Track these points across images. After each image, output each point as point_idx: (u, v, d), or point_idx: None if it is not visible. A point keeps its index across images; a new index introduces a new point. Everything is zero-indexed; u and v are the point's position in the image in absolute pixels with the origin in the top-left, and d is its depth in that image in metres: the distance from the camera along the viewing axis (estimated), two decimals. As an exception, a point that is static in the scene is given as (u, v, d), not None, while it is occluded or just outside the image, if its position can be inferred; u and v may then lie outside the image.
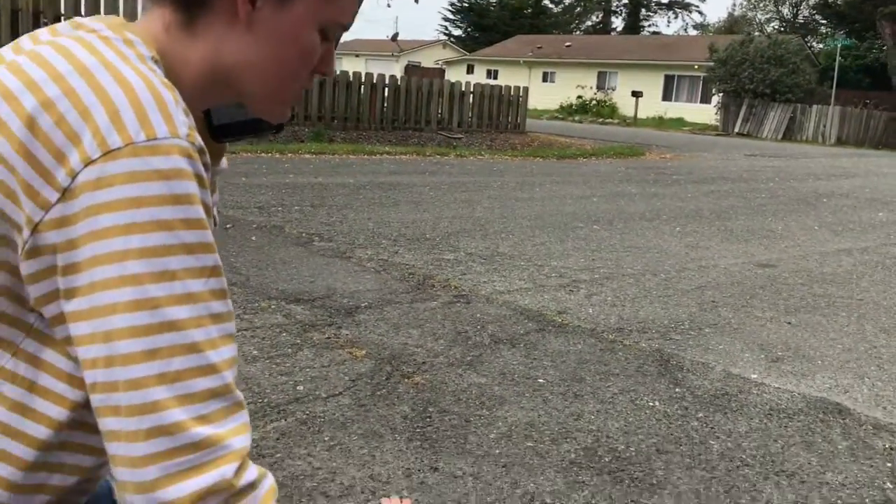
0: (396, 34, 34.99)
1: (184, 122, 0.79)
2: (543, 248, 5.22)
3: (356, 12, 0.98)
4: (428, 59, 47.45)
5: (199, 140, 0.80)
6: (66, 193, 0.73)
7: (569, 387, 2.82)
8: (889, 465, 2.45)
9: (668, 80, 38.27)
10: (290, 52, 0.94)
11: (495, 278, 4.27)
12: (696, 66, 35.39)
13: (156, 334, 0.73)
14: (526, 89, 18.38)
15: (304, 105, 13.64)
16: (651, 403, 2.75)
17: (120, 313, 0.73)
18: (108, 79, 0.77)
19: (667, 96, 38.17)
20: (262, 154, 9.78)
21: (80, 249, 0.73)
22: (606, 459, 2.29)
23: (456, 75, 43.05)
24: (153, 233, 0.74)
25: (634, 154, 15.59)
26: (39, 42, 0.85)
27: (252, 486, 0.78)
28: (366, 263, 4.38)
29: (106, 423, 0.75)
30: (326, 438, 2.28)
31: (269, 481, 0.82)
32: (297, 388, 2.62)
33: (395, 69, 44.23)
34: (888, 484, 2.31)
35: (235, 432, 0.77)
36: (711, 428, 2.59)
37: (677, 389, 2.90)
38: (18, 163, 0.75)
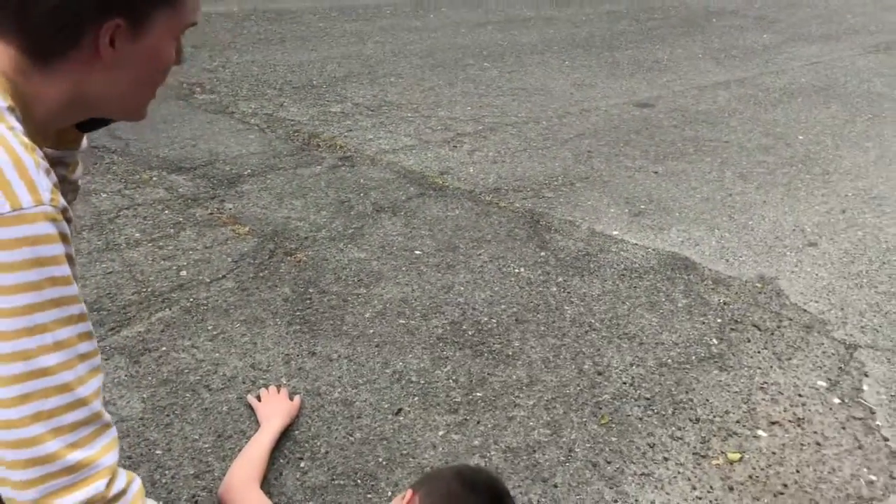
0: None
1: (46, 188, 0.89)
2: (432, 93, 5.25)
3: (197, 8, 1.06)
4: None
5: (61, 201, 0.90)
6: None
7: (443, 257, 3.03)
8: (719, 320, 2.79)
9: None
10: (151, 69, 1.03)
11: (381, 134, 4.34)
12: None
13: (30, 380, 0.88)
14: None
15: None
16: (517, 270, 2.99)
17: None
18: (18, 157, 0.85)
19: None
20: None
21: None
22: (470, 333, 2.54)
23: None
24: (23, 293, 0.86)
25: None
26: None
27: (122, 493, 0.96)
28: (249, 120, 4.36)
29: None
30: (210, 327, 2.44)
31: (136, 485, 0.99)
32: (181, 273, 2.73)
33: None
34: (714, 340, 2.66)
35: (104, 451, 0.95)
36: (568, 293, 2.86)
37: (542, 253, 3.15)
38: None
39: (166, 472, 1.86)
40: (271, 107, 4.62)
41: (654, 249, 3.27)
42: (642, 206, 3.71)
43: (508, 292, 2.82)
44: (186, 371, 2.23)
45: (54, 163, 1.12)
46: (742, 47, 7.91)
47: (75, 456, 0.91)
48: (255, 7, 7.66)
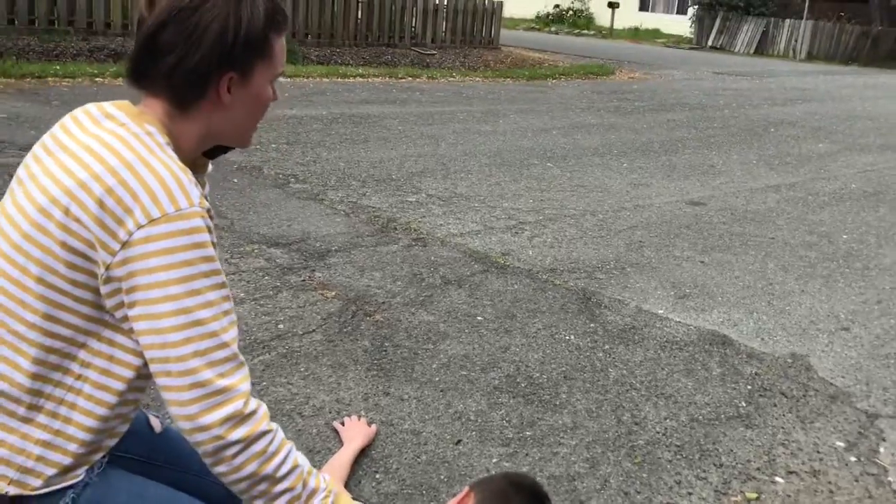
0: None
1: (197, 195, 1.35)
2: (497, 187, 5.77)
3: (283, 58, 1.46)
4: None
5: (207, 204, 1.35)
6: (125, 245, 1.28)
7: (501, 323, 3.44)
8: (749, 387, 3.11)
9: (646, -10, 37.97)
10: (256, 108, 1.49)
11: (451, 221, 4.84)
12: (673, -24, 35.17)
13: (190, 328, 1.31)
14: (501, 4, 18.47)
15: (278, 22, 13.79)
16: (567, 337, 3.38)
17: (166, 318, 1.30)
18: (145, 171, 1.31)
19: (644, 6, 37.93)
20: (238, 79, 10.10)
21: (137, 278, 1.29)
22: (523, 385, 2.93)
23: (432, -19, 42.33)
24: (186, 268, 1.31)
25: (605, 73, 15.92)
26: (88, 133, 1.37)
27: (254, 412, 1.39)
28: (337, 206, 4.93)
29: (161, 381, 1.33)
30: (302, 369, 2.88)
31: (264, 408, 1.42)
32: (278, 326, 3.21)
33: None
34: (743, 403, 2.97)
35: (242, 381, 1.38)
36: (613, 358, 3.22)
37: (592, 325, 3.53)
38: (94, 227, 1.29)
39: (267, 474, 2.27)
40: (355, 196, 5.19)
41: (695, 327, 3.62)
42: (687, 290, 4.07)
43: (559, 355, 3.20)
44: (283, 401, 2.66)
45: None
46: (796, 155, 8.28)
47: (222, 382, 1.32)
48: (343, 112, 8.43)
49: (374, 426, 2.53)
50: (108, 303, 1.34)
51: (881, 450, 2.75)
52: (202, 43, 1.32)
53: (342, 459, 2.29)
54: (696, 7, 31.70)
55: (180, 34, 1.31)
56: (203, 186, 1.59)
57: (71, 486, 1.38)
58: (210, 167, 1.61)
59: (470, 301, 3.65)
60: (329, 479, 1.50)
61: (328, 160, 6.12)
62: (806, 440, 2.75)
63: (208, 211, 1.33)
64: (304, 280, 3.70)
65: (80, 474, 1.39)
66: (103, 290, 1.33)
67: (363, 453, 2.40)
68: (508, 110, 9.72)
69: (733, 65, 21.94)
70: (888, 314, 3.97)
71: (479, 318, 3.48)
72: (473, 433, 2.58)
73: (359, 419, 2.56)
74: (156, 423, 1.75)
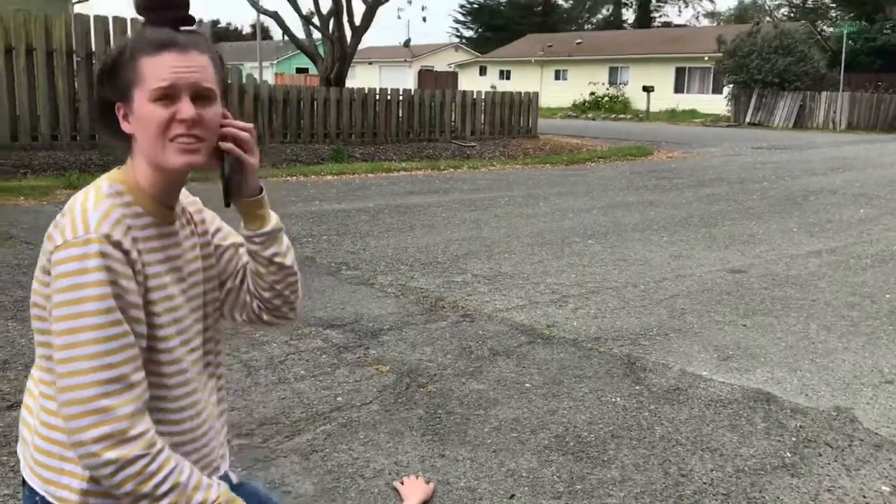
0: (408, 40, 35.77)
1: (106, 227, 1.39)
2: (540, 265, 5.98)
3: (164, 75, 1.39)
4: (441, 63, 48.17)
5: (115, 236, 1.39)
6: (51, 261, 1.41)
7: (549, 389, 3.59)
8: (794, 439, 3.19)
9: (680, 73, 38.70)
10: (151, 129, 1.44)
11: (496, 297, 5.05)
12: (706, 58, 35.84)
13: (75, 349, 1.36)
14: (536, 94, 19.08)
15: (323, 123, 14.52)
16: (613, 399, 3.51)
17: (59, 336, 1.38)
18: (69, 210, 1.43)
19: (679, 88, 38.61)
20: (289, 178, 10.62)
21: (51, 298, 1.41)
22: (572, 444, 3.06)
23: (469, 77, 43.84)
24: (74, 291, 1.36)
25: (643, 154, 16.22)
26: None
27: (136, 436, 1.37)
28: (387, 289, 5.18)
29: (58, 397, 1.39)
30: (361, 437, 3.06)
31: (150, 434, 1.38)
32: (338, 399, 3.41)
33: (409, 74, 45.09)
34: (788, 454, 3.05)
35: (125, 403, 1.36)
36: (658, 417, 3.34)
37: (637, 387, 3.66)
38: (43, 259, 1.43)
39: (334, 529, 2.44)
40: (404, 279, 5.45)
41: (739, 386, 3.72)
42: (730, 352, 4.17)
43: (606, 415, 3.33)
44: (345, 465, 2.84)
45: (264, 244, 1.56)
46: (837, 221, 8.35)
47: (103, 402, 1.33)
48: (388, 203, 8.81)
49: (431, 484, 2.68)
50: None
51: (929, 494, 2.80)
52: (96, 87, 1.50)
53: (403, 513, 2.45)
54: (730, 86, 32.19)
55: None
56: (276, 247, 1.57)
57: None
58: (271, 225, 1.58)
59: (518, 370, 3.82)
60: (224, 488, 1.48)
61: (377, 248, 6.42)
62: (852, 486, 2.82)
63: (115, 243, 1.38)
64: (359, 357, 3.92)
65: None
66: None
67: (422, 509, 2.56)
68: (549, 193, 10.02)
69: (772, 139, 22.13)
70: (933, 367, 4.01)
71: (527, 384, 3.64)
72: (526, 488, 2.72)
73: (416, 478, 2.72)
74: (233, 477, 1.93)
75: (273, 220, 1.58)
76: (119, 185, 1.47)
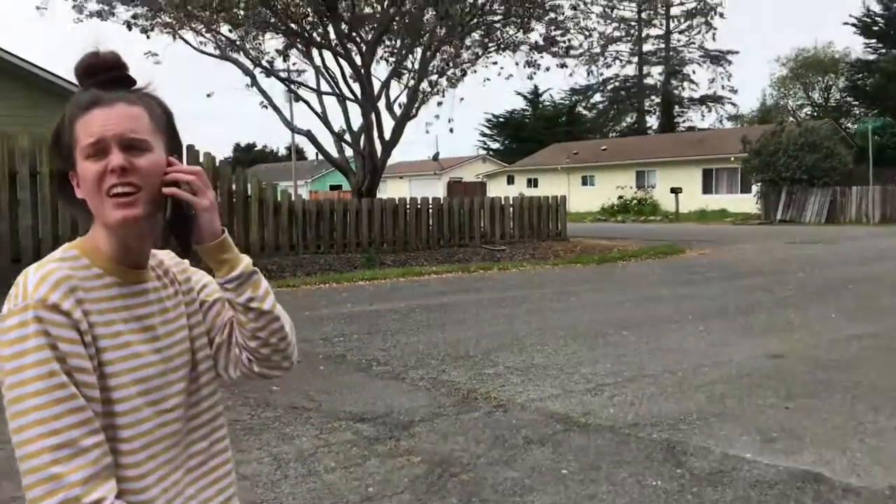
0: (437, 154, 36.63)
1: (42, 291, 1.38)
2: (574, 356, 5.89)
3: (92, 130, 1.44)
4: (469, 174, 49.22)
5: (52, 299, 1.37)
6: None
7: (587, 474, 3.47)
8: (848, 520, 3.02)
9: (707, 174, 39.00)
10: (91, 188, 1.44)
11: (530, 388, 4.96)
12: (732, 158, 36.16)
13: (21, 417, 1.31)
14: (564, 198, 19.30)
15: (355, 232, 14.76)
16: (654, 483, 3.37)
17: (7, 405, 1.34)
18: (21, 278, 1.41)
19: (707, 189, 38.81)
20: (322, 286, 10.73)
21: None
22: (611, 528, 2.93)
23: (497, 186, 44.60)
24: (14, 360, 1.34)
25: (674, 252, 16.16)
26: None
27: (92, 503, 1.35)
28: (418, 383, 5.12)
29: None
30: (393, 525, 2.96)
31: (108, 501, 1.34)
32: (368, 489, 3.32)
33: (438, 186, 46.00)
34: (843, 534, 2.89)
35: (77, 470, 1.31)
36: (701, 499, 3.20)
37: (678, 470, 3.52)
38: None
39: None
40: (435, 373, 5.39)
41: (784, 467, 3.56)
42: (774, 434, 4.02)
43: (646, 499, 3.20)
44: (376, 554, 2.74)
45: (237, 289, 1.53)
46: (877, 307, 8.17)
47: (53, 469, 1.30)
48: (419, 303, 8.82)
49: (465, 570, 2.57)
50: None
51: None
52: (52, 160, 1.54)
53: None
54: (759, 184, 32.32)
55: None
56: (251, 293, 1.55)
57: None
58: (238, 272, 1.54)
59: (553, 457, 3.70)
60: None
61: (407, 344, 6.39)
62: (915, 565, 2.64)
63: (52, 307, 1.36)
64: (390, 448, 3.83)
65: None
66: None
67: None
68: (580, 290, 9.97)
69: (804, 234, 21.99)
70: None
71: (563, 471, 3.52)
72: (564, 573, 2.59)
73: (450, 564, 2.60)
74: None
75: (243, 263, 1.55)
76: (74, 249, 1.47)
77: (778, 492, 3.27)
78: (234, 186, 13.03)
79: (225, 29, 17.91)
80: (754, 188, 33.59)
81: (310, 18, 18.36)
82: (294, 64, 20.10)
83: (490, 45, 19.80)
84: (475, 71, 20.34)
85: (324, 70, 18.73)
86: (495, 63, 21.33)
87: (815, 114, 49.72)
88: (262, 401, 4.68)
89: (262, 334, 1.59)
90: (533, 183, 45.39)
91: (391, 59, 19.21)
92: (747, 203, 34.60)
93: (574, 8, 19.18)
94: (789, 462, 3.62)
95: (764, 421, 4.24)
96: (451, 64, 19.53)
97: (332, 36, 17.80)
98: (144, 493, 1.43)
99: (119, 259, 1.49)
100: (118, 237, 1.47)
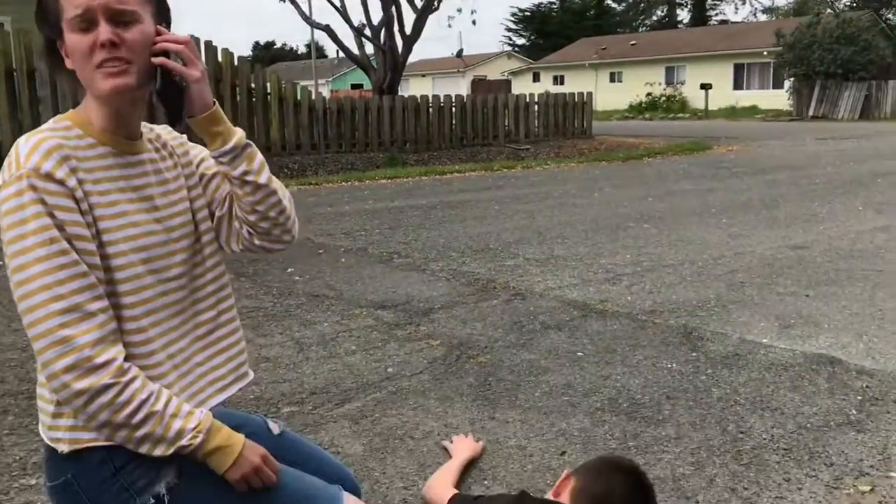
0: (461, 50, 35.82)
1: (34, 160, 1.37)
2: (594, 248, 5.90)
3: (80, 2, 1.37)
4: (493, 72, 48.20)
5: (45, 167, 1.36)
6: None
7: (602, 357, 3.52)
8: (860, 398, 3.05)
9: (738, 69, 37.92)
10: (80, 58, 1.42)
11: (549, 277, 4.99)
12: (764, 53, 35.05)
13: (26, 284, 1.34)
14: (590, 94, 18.91)
15: (377, 131, 14.64)
16: (669, 365, 3.42)
17: (11, 273, 1.37)
18: (13, 149, 1.40)
19: (738, 85, 37.83)
20: (343, 184, 10.74)
21: None
22: (625, 405, 2.99)
23: (522, 84, 43.74)
24: (16, 227, 1.35)
25: (701, 149, 15.92)
26: None
27: (102, 364, 1.35)
28: (438, 274, 5.17)
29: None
30: (411, 403, 3.05)
31: (118, 361, 1.37)
32: (388, 370, 3.41)
33: (462, 84, 45.23)
34: (853, 411, 2.93)
35: (85, 332, 1.35)
36: (716, 380, 3.24)
37: (693, 354, 3.56)
38: None
39: (382, 485, 2.43)
40: (455, 264, 5.43)
41: (801, 352, 3.59)
42: (792, 321, 4.03)
43: (660, 380, 3.25)
44: (394, 428, 2.83)
45: (231, 162, 1.53)
46: (907, 199, 8.04)
47: (63, 332, 1.33)
48: (441, 200, 8.82)
49: (481, 442, 2.65)
50: None
51: None
52: (39, 28, 1.48)
53: (451, 467, 2.42)
54: (791, 80, 31.41)
55: None
56: (247, 166, 1.56)
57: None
58: (231, 144, 1.54)
59: (570, 341, 3.76)
60: (206, 414, 1.45)
61: (428, 238, 6.43)
62: (923, 440, 2.68)
63: (45, 175, 1.36)
64: (409, 333, 3.91)
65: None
66: None
67: (472, 465, 2.52)
68: (604, 186, 9.90)
69: (837, 130, 21.50)
70: None
71: (579, 353, 3.58)
72: (578, 446, 2.66)
73: (466, 437, 2.69)
74: (274, 427, 1.92)
75: (236, 136, 1.55)
76: (66, 120, 1.46)
77: (793, 373, 3.30)
78: (252, 84, 12.90)
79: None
80: (787, 84, 32.66)
81: None
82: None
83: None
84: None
85: (342, -40, 18.19)
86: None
87: (854, 4, 47.69)
88: (285, 290, 4.76)
89: (261, 208, 1.59)
90: (559, 80, 44.41)
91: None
92: (779, 99, 33.72)
93: None
94: (806, 346, 3.65)
95: (783, 308, 4.25)
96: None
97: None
98: (150, 357, 1.47)
99: (112, 129, 1.48)
100: (110, 107, 1.45)
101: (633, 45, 43.47)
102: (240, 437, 1.48)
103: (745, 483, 2.40)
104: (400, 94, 17.22)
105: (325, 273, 5.19)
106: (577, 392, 3.12)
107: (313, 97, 14.48)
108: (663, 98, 38.21)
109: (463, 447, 2.58)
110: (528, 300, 4.48)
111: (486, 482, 2.44)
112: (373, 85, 18.30)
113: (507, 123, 16.95)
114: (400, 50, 17.59)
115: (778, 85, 34.95)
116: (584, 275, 5.07)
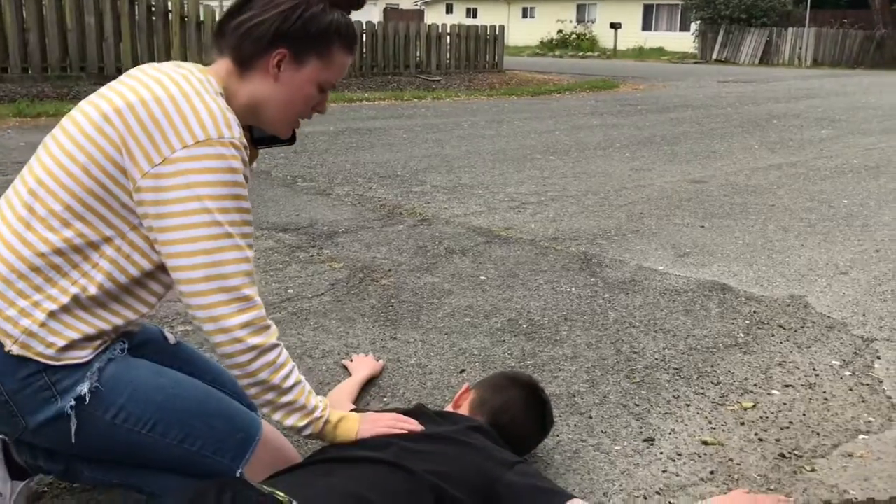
0: (374, -22, 34.95)
1: (237, 130, 1.48)
2: (501, 178, 5.91)
3: (341, 75, 1.63)
4: (407, 1, 47.24)
5: (244, 141, 1.50)
6: (166, 161, 1.41)
7: (504, 281, 3.55)
8: (747, 322, 3.18)
9: (647, 10, 38.40)
10: (297, 98, 1.61)
11: (454, 205, 4.98)
12: (673, -5, 35.55)
13: (222, 240, 1.44)
14: (503, 28, 18.77)
15: (285, 57, 14.12)
16: (568, 289, 3.48)
17: (201, 227, 1.42)
18: (198, 102, 1.46)
19: (646, 26, 38.34)
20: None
21: (172, 192, 1.42)
22: (524, 326, 3.03)
23: (435, 15, 43.07)
24: (219, 187, 1.43)
25: (608, 87, 16.11)
26: (154, 70, 1.53)
27: (269, 326, 1.52)
28: (343, 198, 5.08)
29: (186, 287, 1.44)
30: (312, 323, 3.00)
31: (274, 326, 1.53)
32: (288, 291, 3.34)
33: (374, 13, 44.17)
34: (741, 334, 3.05)
35: (258, 295, 1.50)
36: (612, 304, 3.32)
37: (592, 279, 3.63)
38: (143, 139, 1.42)
39: (279, 402, 2.39)
40: (361, 189, 5.35)
41: (694, 279, 3.71)
42: (687, 250, 4.16)
43: (560, 303, 3.31)
44: (293, 347, 2.78)
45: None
46: (799, 140, 8.37)
47: (247, 291, 1.50)
48: (348, 126, 8.65)
49: (381, 361, 2.64)
50: (139, 210, 1.47)
51: (876, 365, 2.81)
52: (271, 12, 1.52)
53: (350, 384, 2.40)
54: (698, 22, 32.02)
55: (260, 2, 1.53)
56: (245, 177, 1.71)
57: (91, 361, 1.49)
58: (254, 164, 1.73)
59: (473, 265, 3.77)
60: (324, 400, 1.65)
61: (334, 163, 6.30)
62: (802, 360, 2.82)
63: (244, 146, 1.48)
64: (312, 255, 3.84)
65: (85, 356, 1.48)
66: (135, 197, 1.46)
67: (371, 383, 2.51)
68: (512, 118, 9.90)
69: (738, 73, 22.12)
70: (886, 260, 4.04)
71: (482, 277, 3.60)
72: (477, 364, 2.68)
73: (366, 356, 2.67)
74: (170, 337, 1.87)
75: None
76: (223, 95, 1.54)
77: (686, 299, 3.41)
78: (153, 0, 12.20)
79: None
80: (693, 27, 33.29)
81: None
82: None
83: None
84: None
85: None
86: None
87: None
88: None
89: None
90: (472, 13, 43.95)
91: None
92: (685, 42, 34.40)
93: None
94: (699, 274, 3.77)
95: (679, 238, 4.38)
96: None
97: None
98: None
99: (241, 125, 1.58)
100: (250, 112, 1.59)
101: (546, -20, 43.25)
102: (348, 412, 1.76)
103: (636, 400, 2.48)
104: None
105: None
106: (478, 314, 3.14)
107: (217, 18, 13.82)
108: (574, 36, 38.38)
109: (362, 365, 2.56)
110: (433, 226, 4.46)
111: (385, 399, 2.43)
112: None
113: (418, 54, 16.67)
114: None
115: (685, 27, 35.60)
116: (490, 203, 5.08)
